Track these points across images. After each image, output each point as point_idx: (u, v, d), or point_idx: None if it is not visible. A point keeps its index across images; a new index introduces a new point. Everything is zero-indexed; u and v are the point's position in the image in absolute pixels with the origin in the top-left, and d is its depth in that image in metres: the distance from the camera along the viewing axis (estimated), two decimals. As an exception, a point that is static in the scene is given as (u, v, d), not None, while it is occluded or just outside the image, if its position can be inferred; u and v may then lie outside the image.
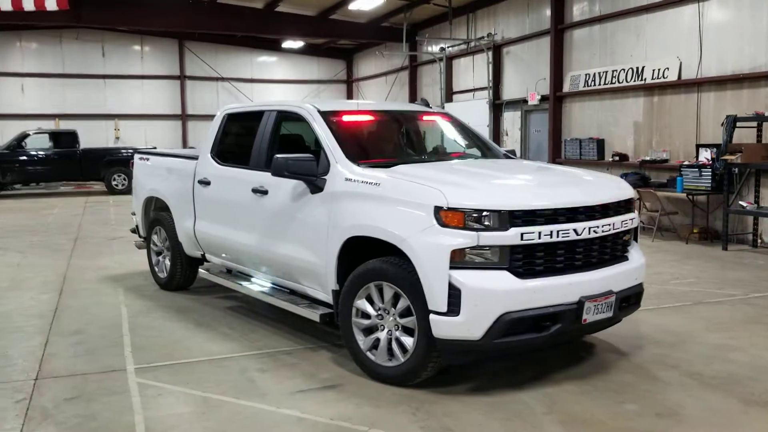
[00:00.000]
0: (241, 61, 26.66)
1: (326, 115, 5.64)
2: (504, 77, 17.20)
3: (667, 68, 12.12)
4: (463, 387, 4.68)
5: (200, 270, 7.02)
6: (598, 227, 4.63)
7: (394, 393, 4.56)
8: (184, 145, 25.45)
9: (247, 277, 6.49)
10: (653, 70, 12.43)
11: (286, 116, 6.13)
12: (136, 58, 25.54)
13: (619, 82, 13.24)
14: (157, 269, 7.84)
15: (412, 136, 6.42)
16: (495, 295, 4.24)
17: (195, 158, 7.04)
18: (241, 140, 6.70)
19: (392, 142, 6.42)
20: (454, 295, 4.24)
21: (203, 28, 22.11)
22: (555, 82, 14.87)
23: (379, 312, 4.77)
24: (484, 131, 17.31)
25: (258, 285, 6.19)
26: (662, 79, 12.22)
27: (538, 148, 15.87)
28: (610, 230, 4.73)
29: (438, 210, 4.34)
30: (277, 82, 26.95)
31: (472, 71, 18.61)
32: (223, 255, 6.65)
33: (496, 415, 4.22)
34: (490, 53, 17.22)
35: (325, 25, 21.41)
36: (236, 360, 5.29)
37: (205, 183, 6.67)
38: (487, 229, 4.28)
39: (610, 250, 4.88)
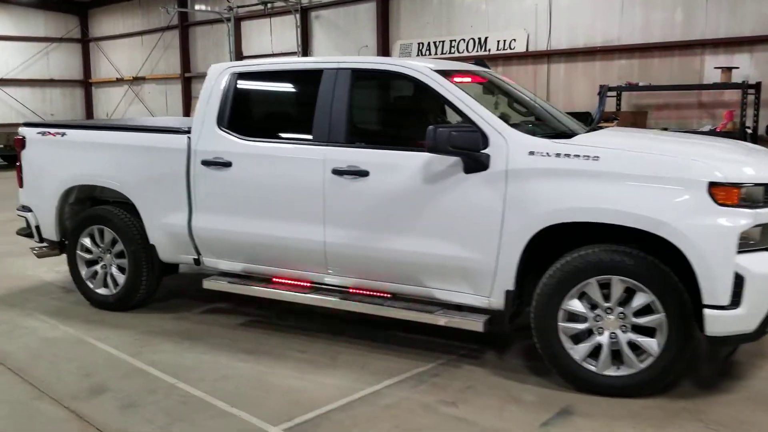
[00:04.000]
0: (-60, 10, 21.45)
1: (446, 76, 4.55)
2: (314, 44, 16.29)
3: (514, 39, 12.53)
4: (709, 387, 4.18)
5: (210, 282, 5.27)
6: None
7: (648, 406, 3.87)
8: None
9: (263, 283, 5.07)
10: (498, 41, 12.75)
11: (368, 76, 4.83)
12: None
13: (459, 52, 13.34)
14: (93, 284, 5.76)
15: (513, 101, 5.51)
16: None
17: (179, 131, 5.25)
18: (281, 108, 5.18)
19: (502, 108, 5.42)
20: (738, 284, 3.71)
21: None
22: (382, 51, 14.47)
23: (596, 313, 4.01)
24: (293, 100, 16.27)
25: (322, 293, 4.85)
26: (509, 50, 12.60)
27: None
28: None
29: (712, 186, 3.73)
30: (-9, 38, 22.31)
31: (270, 35, 17.30)
32: (246, 256, 5.09)
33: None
34: (298, 16, 16.13)
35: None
36: (387, 395, 4.05)
37: (220, 164, 5.00)
38: (764, 205, 3.80)
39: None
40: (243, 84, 5.16)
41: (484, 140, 4.16)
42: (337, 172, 4.58)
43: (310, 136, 4.76)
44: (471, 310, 4.41)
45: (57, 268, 7.10)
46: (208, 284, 5.24)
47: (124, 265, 5.56)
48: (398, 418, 3.75)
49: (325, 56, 5.05)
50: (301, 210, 4.76)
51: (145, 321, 5.43)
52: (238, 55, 17.86)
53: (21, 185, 6.09)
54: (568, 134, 4.46)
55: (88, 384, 4.23)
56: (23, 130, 6.04)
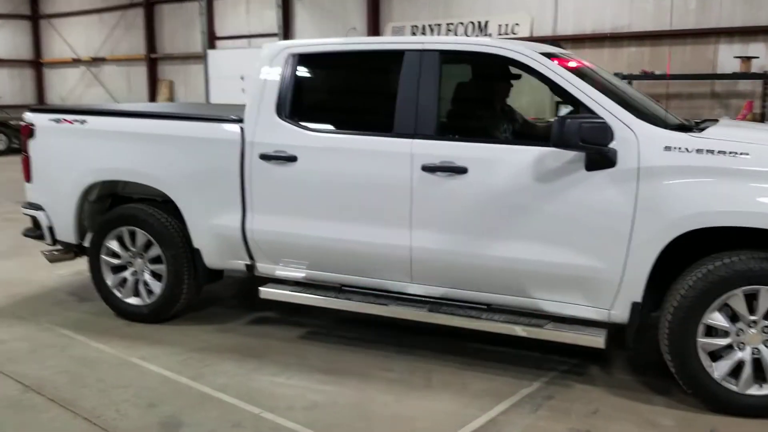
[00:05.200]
0: None
1: (551, 59, 4.05)
2: (296, 25, 15.54)
3: (517, 24, 12.12)
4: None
5: (268, 291, 4.65)
6: None
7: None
8: None
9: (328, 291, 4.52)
10: (499, 25, 12.33)
11: (460, 59, 4.31)
12: None
13: (457, 35, 12.85)
14: (122, 293, 5.08)
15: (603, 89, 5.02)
16: None
17: (231, 120, 4.62)
18: (353, 95, 4.60)
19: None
20: None
21: None
22: (372, 34, 13.86)
23: (738, 326, 3.61)
24: (273, 84, 15.51)
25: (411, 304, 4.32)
26: (512, 35, 12.18)
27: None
28: None
29: None
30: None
31: (246, 14, 16.46)
32: (311, 262, 4.51)
33: None
34: (278, -5, 15.36)
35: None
36: (508, 423, 3.57)
37: (282, 159, 4.39)
38: None
39: None
40: (306, 67, 4.55)
41: (610, 133, 3.69)
42: (429, 168, 4.05)
43: (391, 128, 4.21)
44: (582, 323, 3.96)
45: (58, 272, 6.35)
46: (267, 293, 4.64)
47: (160, 271, 4.91)
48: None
49: (403, 36, 4.45)
50: (383, 211, 4.21)
51: (188, 335, 4.80)
52: (211, 37, 16.97)
53: (28, 180, 5.34)
54: (687, 127, 4.04)
55: (156, 418, 3.62)
56: (31, 117, 5.28)
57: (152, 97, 18.91)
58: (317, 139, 4.37)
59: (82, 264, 5.64)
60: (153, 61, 18.90)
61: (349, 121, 4.48)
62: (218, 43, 17.09)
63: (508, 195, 3.91)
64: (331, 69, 4.71)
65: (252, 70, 4.67)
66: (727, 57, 9.96)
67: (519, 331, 3.99)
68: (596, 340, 3.83)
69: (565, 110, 7.17)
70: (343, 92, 4.78)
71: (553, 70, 3.95)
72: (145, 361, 4.36)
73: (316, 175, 4.35)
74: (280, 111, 4.48)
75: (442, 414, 3.66)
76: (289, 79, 4.51)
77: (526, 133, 4.80)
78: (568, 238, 3.81)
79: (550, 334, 3.93)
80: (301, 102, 4.51)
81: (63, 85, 21.83)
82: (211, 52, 16.97)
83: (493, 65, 4.47)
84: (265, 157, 4.45)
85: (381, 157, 4.20)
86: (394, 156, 4.15)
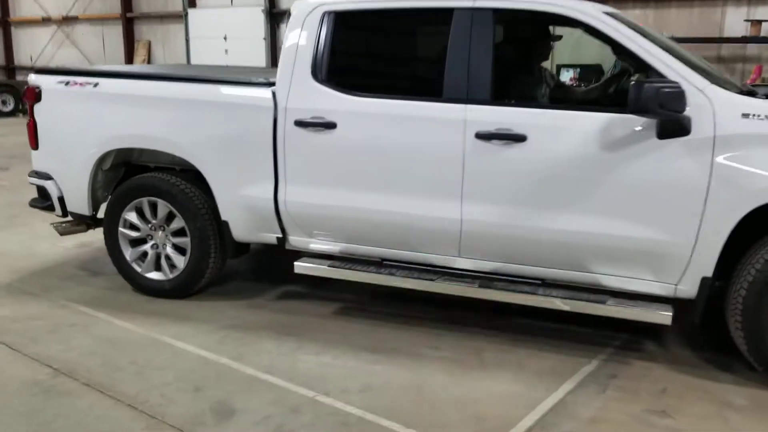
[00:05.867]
0: None
1: (618, 20, 3.81)
2: (283, -17, 14.99)
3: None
4: None
5: (304, 265, 4.39)
6: None
7: None
8: None
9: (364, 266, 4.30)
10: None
11: (516, 19, 4.04)
12: None
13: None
14: (141, 267, 4.78)
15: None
16: None
17: (262, 84, 4.31)
18: (396, 56, 4.32)
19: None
20: None
21: None
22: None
23: (817, 304, 3.47)
24: (260, 45, 15.08)
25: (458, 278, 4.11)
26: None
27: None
28: None
29: None
30: None
31: (229, -28, 15.84)
32: (349, 235, 4.27)
33: None
34: (264, -49, 14.76)
35: None
36: (578, 404, 3.41)
37: (320, 125, 4.11)
38: None
39: None
40: (344, 27, 4.23)
41: (685, 99, 3.47)
42: (483, 136, 3.81)
43: (440, 93, 3.95)
44: (643, 298, 3.80)
45: (61, 244, 6.02)
46: (302, 267, 4.38)
47: (184, 244, 4.62)
48: None
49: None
50: (431, 182, 3.97)
51: (216, 311, 4.54)
52: (193, -6, 16.33)
53: (34, 147, 4.97)
54: (752, 92, 3.84)
55: (206, 403, 3.38)
56: (37, 79, 4.89)
57: (129, 59, 18.21)
58: (359, 105, 4.09)
59: (86, 236, 5.34)
60: (129, 20, 18.14)
61: (392, 85, 4.20)
62: (199, 1, 16.44)
63: (571, 164, 3.69)
64: (372, 29, 4.39)
65: (288, 30, 4.32)
66: (734, 20, 9.79)
67: (582, 307, 3.81)
68: (664, 316, 3.67)
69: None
70: (384, 54, 4.48)
71: (619, 31, 3.71)
72: (178, 340, 4.10)
73: (358, 143, 4.09)
74: (317, 74, 4.18)
75: (508, 396, 3.48)
76: (325, 39, 4.20)
77: (584, 98, 4.56)
78: (636, 210, 3.62)
79: (614, 311, 3.76)
80: (339, 64, 4.22)
81: (33, 46, 20.92)
82: (191, 11, 16.36)
83: (551, 25, 4.21)
84: (300, 123, 4.16)
85: (430, 124, 3.94)
86: (445, 122, 3.90)
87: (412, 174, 4.00)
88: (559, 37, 4.89)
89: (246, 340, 4.11)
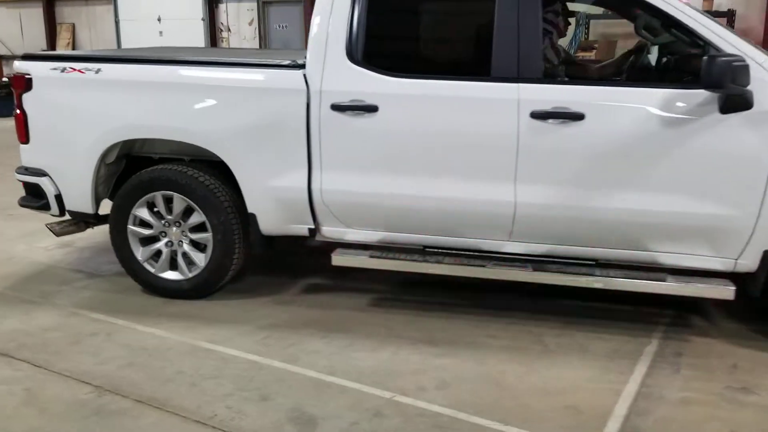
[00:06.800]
0: None
1: (667, -3, 3.74)
2: (221, -39, 14.37)
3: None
4: None
5: (343, 257, 4.15)
6: None
7: None
8: None
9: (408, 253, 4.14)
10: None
11: None
12: None
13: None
14: (154, 267, 4.43)
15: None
16: None
17: (291, 66, 4.04)
18: (438, 34, 4.10)
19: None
20: None
21: None
22: (310, -30, 13.01)
23: None
24: (197, 27, 14.46)
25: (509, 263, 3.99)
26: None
27: (286, 47, 13.91)
28: None
29: None
30: None
31: (161, -50, 15.05)
32: (389, 223, 4.08)
33: None
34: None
35: None
36: (660, 387, 3.36)
37: (360, 109, 3.88)
38: None
39: None
40: (379, 4, 3.99)
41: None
42: (539, 115, 3.68)
43: (488, 71, 3.80)
44: (699, 274, 3.79)
45: (39, 244, 5.55)
46: (341, 259, 4.15)
47: (203, 240, 4.30)
48: (719, 418, 3.09)
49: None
50: (482, 164, 3.83)
51: (245, 310, 4.27)
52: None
53: (24, 140, 4.51)
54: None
55: (280, 413, 3.13)
56: (25, 65, 4.42)
57: (51, 43, 17.14)
58: (402, 86, 3.88)
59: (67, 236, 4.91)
60: (50, 2, 17.03)
61: (435, 65, 4.02)
62: (128, -18, 15.59)
63: (631, 142, 3.62)
64: (411, 5, 4.18)
65: (317, 7, 4.04)
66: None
67: (644, 287, 3.76)
68: (726, 291, 3.66)
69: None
70: (426, 32, 4.27)
71: (676, 7, 3.63)
72: (217, 344, 3.81)
73: (402, 126, 3.88)
74: (352, 54, 3.94)
75: (588, 382, 3.40)
76: (360, 17, 3.95)
77: (638, 74, 4.47)
78: (697, 186, 3.58)
79: (676, 288, 3.73)
80: (377, 44, 3.98)
81: (-63, 30, 19.36)
82: (119, -8, 15.50)
83: (605, 1, 4.11)
84: (338, 107, 3.92)
85: (480, 104, 3.79)
86: (497, 102, 3.75)
87: (462, 157, 3.84)
88: (575, 14, 4.80)
89: (291, 340, 3.86)
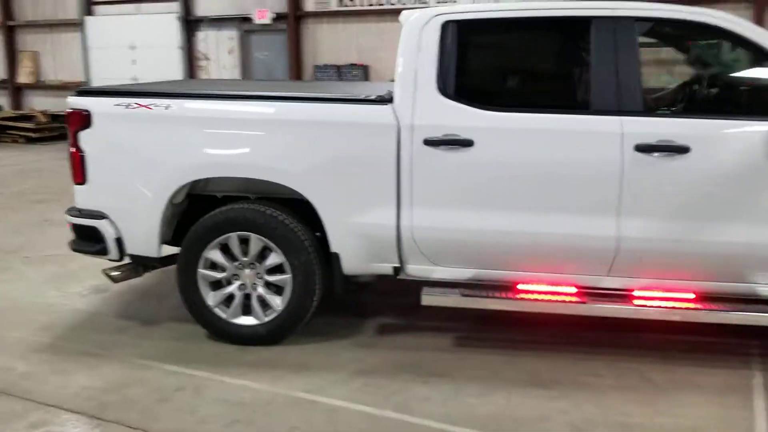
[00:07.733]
0: None
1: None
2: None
3: (459, -10, 11.77)
4: None
5: (433, 297, 4.00)
6: None
7: None
8: None
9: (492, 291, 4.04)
10: (439, -8, 11.94)
11: (661, 28, 3.91)
12: None
13: (391, 4, 12.30)
14: (226, 312, 4.20)
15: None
16: None
17: (379, 101, 3.91)
18: (532, 68, 4.03)
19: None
20: None
21: None
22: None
23: None
24: (174, 55, 14.14)
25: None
26: (452, 2, 11.83)
27: (270, 76, 13.70)
28: None
29: None
30: None
31: (132, -24, 14.70)
32: (483, 260, 3.97)
33: None
34: (175, -45, 13.83)
35: None
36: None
37: (455, 143, 3.79)
38: None
39: None
40: (470, 37, 3.92)
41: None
42: (644, 148, 3.65)
43: (587, 105, 3.76)
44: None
45: (70, 289, 5.22)
46: (432, 299, 4.00)
47: (281, 282, 4.10)
48: None
49: (585, 1, 4.00)
50: (583, 198, 3.77)
51: (329, 355, 4.07)
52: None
53: (80, 180, 4.24)
54: None
55: (424, 470, 2.96)
56: (83, 101, 4.16)
57: (11, 72, 16.47)
58: (498, 120, 3.80)
59: (95, 279, 4.63)
60: (10, 29, 16.39)
61: (531, 99, 3.97)
62: (96, 8, 15.14)
63: (737, 174, 3.62)
64: (502, 39, 4.11)
65: (401, 42, 3.93)
66: None
67: (755, 320, 3.74)
68: (838, 321, 3.68)
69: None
70: (519, 66, 4.19)
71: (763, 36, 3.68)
72: (317, 395, 3.61)
73: (499, 160, 3.80)
74: (445, 89, 3.84)
75: (716, 420, 3.34)
76: (450, 51, 3.87)
77: (706, 104, 4.49)
78: (803, 217, 3.60)
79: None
80: (468, 77, 3.91)
81: None
82: (90, 19, 15.04)
83: (697, 34, 4.12)
84: (431, 142, 3.81)
85: (581, 138, 3.74)
86: (600, 136, 3.70)
87: (562, 191, 3.77)
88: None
89: (392, 388, 3.68)
